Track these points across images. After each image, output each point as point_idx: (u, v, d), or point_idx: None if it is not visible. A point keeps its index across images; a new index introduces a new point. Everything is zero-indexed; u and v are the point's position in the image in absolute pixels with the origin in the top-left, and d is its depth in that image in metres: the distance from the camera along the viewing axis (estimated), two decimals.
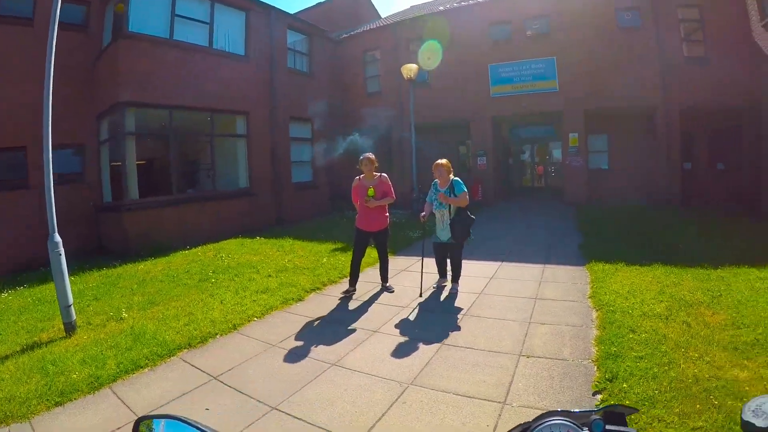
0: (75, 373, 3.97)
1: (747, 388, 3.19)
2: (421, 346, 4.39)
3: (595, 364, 3.80)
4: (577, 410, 0.90)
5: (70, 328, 5.09)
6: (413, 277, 6.74)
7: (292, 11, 33.34)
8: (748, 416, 0.63)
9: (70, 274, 5.61)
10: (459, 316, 5.22)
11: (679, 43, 14.08)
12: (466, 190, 5.55)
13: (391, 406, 3.28)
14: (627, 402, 3.08)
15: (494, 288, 6.23)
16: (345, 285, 6.27)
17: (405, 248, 9.10)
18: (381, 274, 6.23)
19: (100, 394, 3.71)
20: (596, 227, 10.27)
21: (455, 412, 3.20)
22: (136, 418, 0.94)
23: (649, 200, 14.35)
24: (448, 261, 6.06)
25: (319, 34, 17.43)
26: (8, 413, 3.40)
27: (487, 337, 4.54)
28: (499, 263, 7.59)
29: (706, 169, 15.18)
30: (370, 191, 5.63)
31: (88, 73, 11.17)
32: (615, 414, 0.90)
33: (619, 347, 3.97)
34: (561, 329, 4.65)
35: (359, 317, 5.29)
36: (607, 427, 0.84)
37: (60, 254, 5.02)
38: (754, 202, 12.28)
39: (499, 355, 4.12)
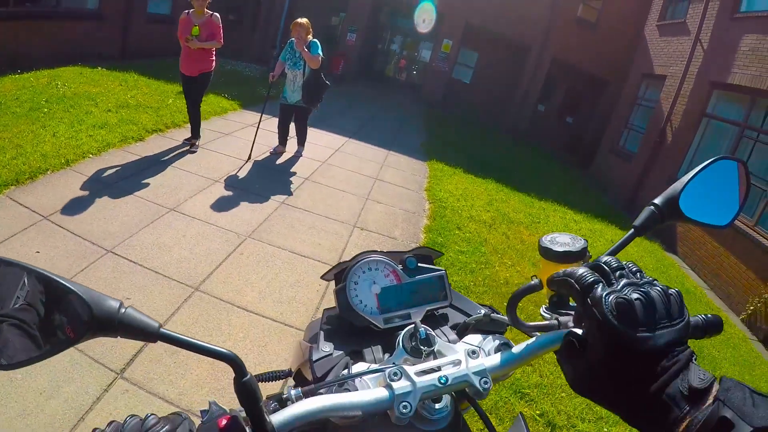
0: None
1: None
2: (261, 201, 4.22)
3: None
4: (389, 251, 0.93)
5: None
6: (263, 134, 6.17)
7: None
8: (546, 243, 0.71)
9: None
10: (301, 179, 5.00)
11: (578, 2, 14.67)
12: (320, 53, 5.10)
13: (228, 256, 3.22)
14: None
15: (339, 160, 6.10)
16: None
17: (256, 105, 8.34)
18: (191, 126, 5.39)
19: None
20: (443, 131, 10.78)
21: (290, 269, 3.21)
22: None
23: (498, 125, 15.52)
24: (292, 126, 5.62)
25: None
26: None
27: (326, 205, 4.46)
28: (347, 138, 7.45)
29: (556, 117, 16.82)
30: (195, 30, 4.82)
31: None
32: (423, 256, 0.95)
33: (445, 239, 4.20)
34: (395, 211, 4.80)
35: (200, 164, 4.87)
36: (419, 264, 0.91)
37: None
38: (587, 159, 14.13)
39: (336, 223, 4.11)
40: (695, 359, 0.44)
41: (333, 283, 0.91)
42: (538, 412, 2.44)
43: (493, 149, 10.71)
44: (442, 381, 0.60)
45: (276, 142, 5.76)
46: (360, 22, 15.36)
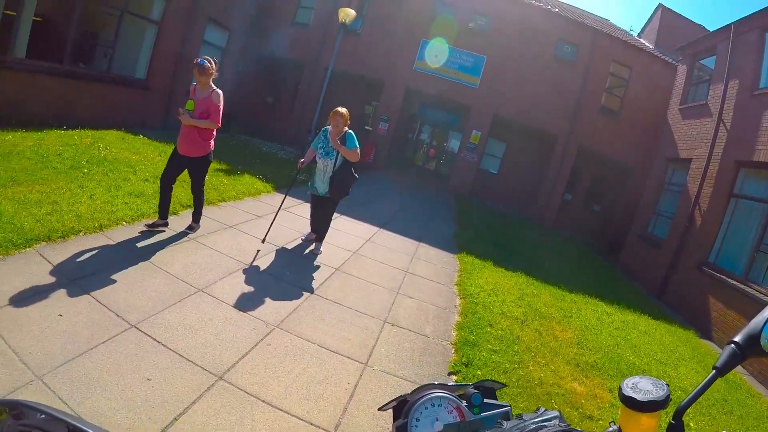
0: None
1: (582, 401, 3.45)
2: (291, 290, 4.21)
3: (453, 347, 3.91)
4: (451, 383, 0.92)
5: None
6: (293, 218, 6.53)
7: None
8: (628, 392, 0.70)
9: None
10: (331, 269, 5.04)
11: (601, 91, 15.41)
12: (358, 146, 5.04)
13: (255, 345, 3.15)
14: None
15: (369, 251, 6.17)
16: (222, 212, 5.74)
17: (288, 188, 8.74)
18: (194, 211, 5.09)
19: None
20: (473, 221, 10.88)
21: (318, 364, 3.11)
22: None
23: (526, 214, 15.67)
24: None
25: None
26: None
27: (357, 297, 4.45)
28: (378, 228, 7.60)
29: (582, 205, 16.98)
30: (189, 104, 4.46)
31: None
32: (486, 389, 0.94)
33: (477, 337, 4.10)
34: (426, 307, 4.73)
35: (232, 245, 4.92)
36: (485, 400, 0.89)
37: None
38: (615, 247, 13.98)
39: (366, 317, 4.07)
40: None
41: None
42: None
43: (521, 240, 10.69)
44: None
45: (308, 229, 5.88)
46: (392, 111, 16.30)
